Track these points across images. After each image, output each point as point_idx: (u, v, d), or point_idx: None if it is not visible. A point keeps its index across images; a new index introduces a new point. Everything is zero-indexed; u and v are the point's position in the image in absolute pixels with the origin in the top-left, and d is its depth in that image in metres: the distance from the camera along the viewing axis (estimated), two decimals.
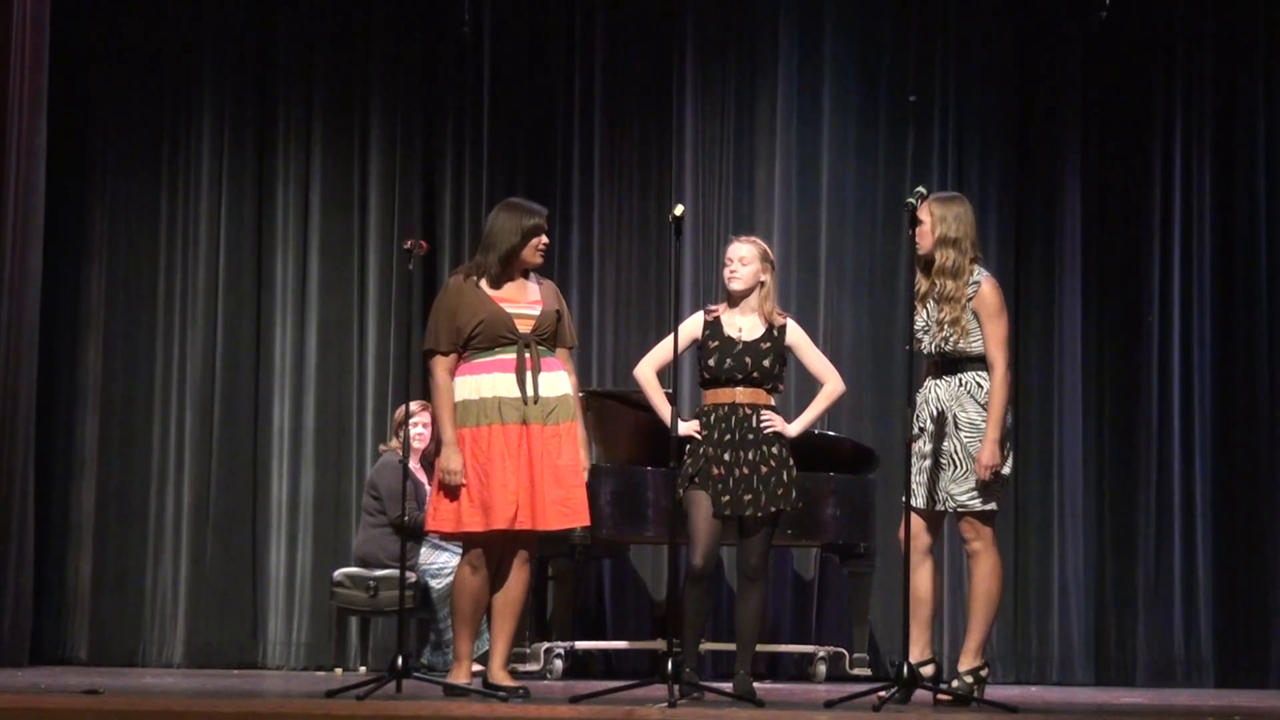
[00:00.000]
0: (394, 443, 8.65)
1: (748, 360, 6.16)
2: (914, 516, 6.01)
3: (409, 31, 9.74)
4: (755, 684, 6.25)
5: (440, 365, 6.14)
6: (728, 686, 6.17)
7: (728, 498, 6.11)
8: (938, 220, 6.08)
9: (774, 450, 6.15)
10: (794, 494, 6.18)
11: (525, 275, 6.23)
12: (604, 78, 9.70)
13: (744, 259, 6.25)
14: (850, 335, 9.50)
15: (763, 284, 6.24)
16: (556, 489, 6.08)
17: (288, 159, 9.66)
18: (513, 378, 6.07)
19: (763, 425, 6.14)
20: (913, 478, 6.05)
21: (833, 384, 6.30)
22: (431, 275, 9.26)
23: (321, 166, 9.66)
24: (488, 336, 6.10)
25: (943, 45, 9.71)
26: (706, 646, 7.81)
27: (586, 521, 6.20)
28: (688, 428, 6.19)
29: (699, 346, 6.26)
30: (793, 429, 6.20)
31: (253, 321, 9.58)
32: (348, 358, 9.57)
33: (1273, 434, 9.46)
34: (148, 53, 9.70)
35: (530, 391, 6.06)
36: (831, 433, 8.91)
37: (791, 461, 6.20)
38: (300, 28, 9.73)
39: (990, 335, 6.03)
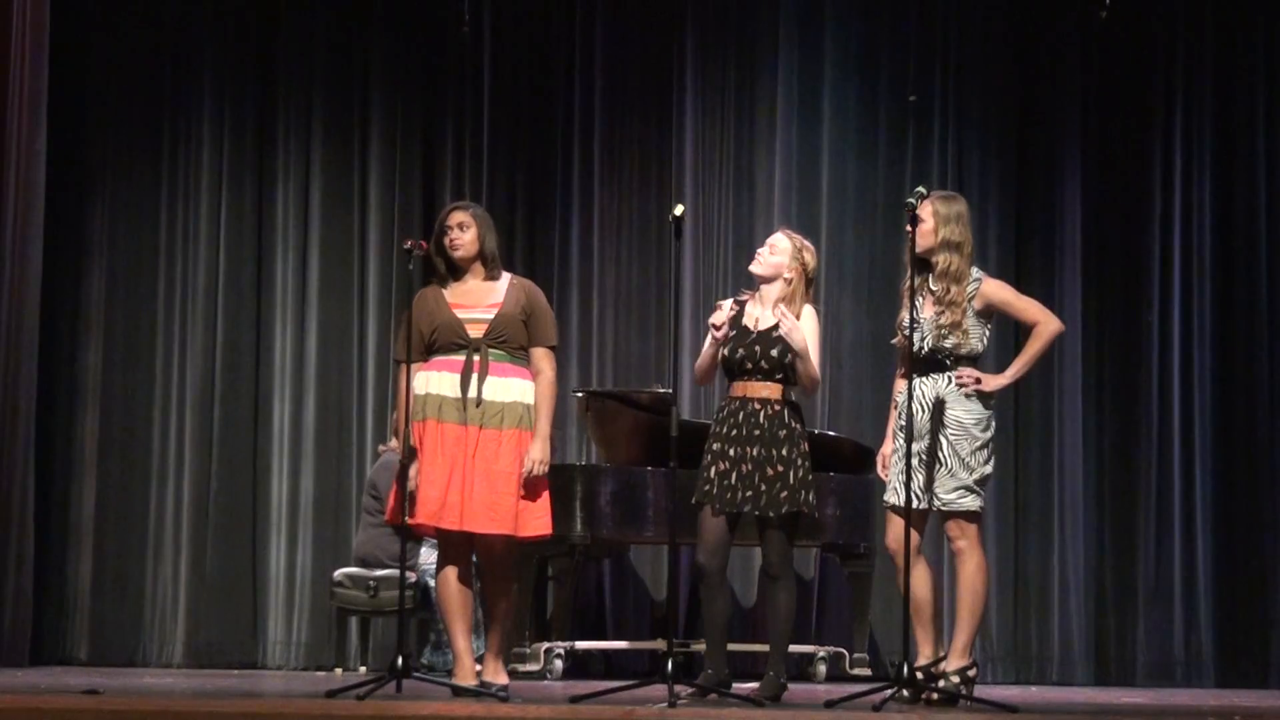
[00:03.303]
0: (394, 443, 8.63)
1: (757, 349, 6.10)
2: (898, 517, 5.97)
3: (409, 31, 9.75)
4: (753, 683, 6.24)
5: (409, 374, 6.11)
6: (749, 687, 6.15)
7: (727, 495, 6.07)
8: (941, 221, 6.02)
9: (783, 451, 6.06)
10: (804, 496, 6.06)
11: (493, 276, 6.18)
12: (604, 78, 9.70)
13: (775, 246, 6.21)
14: (850, 334, 9.49)
15: (788, 280, 6.15)
16: (487, 493, 5.97)
17: (288, 159, 9.66)
18: (457, 378, 6.03)
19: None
20: (895, 477, 6.05)
21: (808, 369, 6.09)
22: (431, 275, 9.22)
23: (321, 166, 9.66)
24: (443, 343, 6.08)
25: (943, 45, 9.71)
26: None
27: (510, 530, 5.99)
28: (721, 316, 6.09)
29: None
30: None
31: (253, 321, 9.58)
32: (348, 358, 9.58)
33: (1273, 433, 9.46)
34: (148, 53, 9.70)
35: (472, 394, 6.01)
36: (831, 432, 8.91)
37: (803, 463, 6.09)
38: (300, 28, 9.73)
39: (1024, 307, 6.08)
